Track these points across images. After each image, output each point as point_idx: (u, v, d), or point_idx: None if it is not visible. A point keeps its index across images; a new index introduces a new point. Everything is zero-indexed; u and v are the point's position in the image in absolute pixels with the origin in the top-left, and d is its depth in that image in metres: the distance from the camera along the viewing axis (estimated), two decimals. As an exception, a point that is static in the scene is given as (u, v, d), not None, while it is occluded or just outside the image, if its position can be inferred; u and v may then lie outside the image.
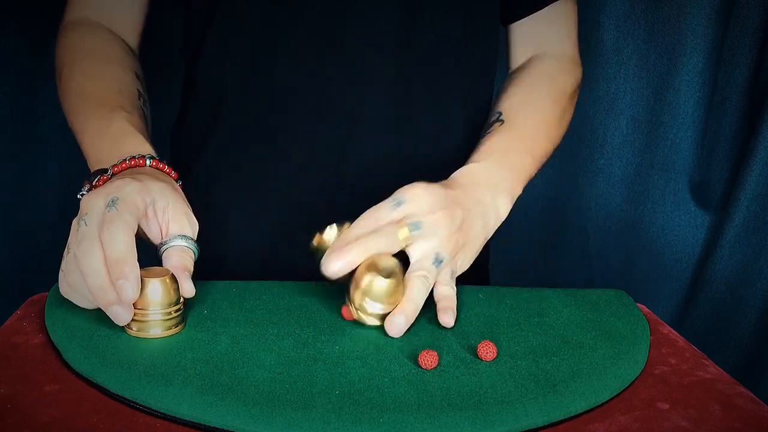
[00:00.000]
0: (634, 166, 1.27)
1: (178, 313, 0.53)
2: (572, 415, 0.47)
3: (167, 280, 0.52)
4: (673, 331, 0.62)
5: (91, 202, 0.52)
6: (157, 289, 0.51)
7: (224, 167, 0.74)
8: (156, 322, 0.51)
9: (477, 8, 0.73)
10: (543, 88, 0.76)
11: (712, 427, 0.46)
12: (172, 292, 0.52)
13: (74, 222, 0.52)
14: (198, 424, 0.43)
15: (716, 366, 0.55)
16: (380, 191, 0.73)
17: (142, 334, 0.51)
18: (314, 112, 0.71)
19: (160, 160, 0.60)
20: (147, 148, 0.61)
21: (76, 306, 0.53)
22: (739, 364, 1.24)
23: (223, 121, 0.73)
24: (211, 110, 0.74)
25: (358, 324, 0.56)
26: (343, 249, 0.54)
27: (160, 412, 0.44)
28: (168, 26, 0.92)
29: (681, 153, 1.25)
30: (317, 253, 0.57)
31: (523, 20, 0.79)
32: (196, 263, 0.56)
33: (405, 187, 0.59)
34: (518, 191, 0.67)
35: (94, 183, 0.57)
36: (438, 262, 0.57)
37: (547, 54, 0.80)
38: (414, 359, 0.51)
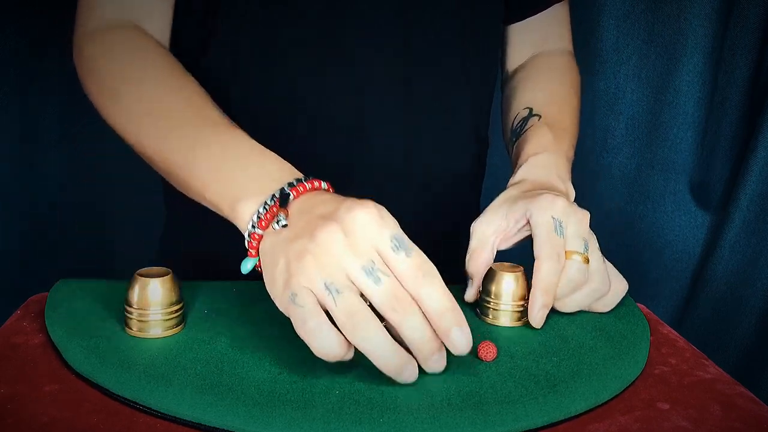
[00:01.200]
0: (634, 166, 1.27)
1: (179, 313, 0.53)
2: (572, 415, 0.47)
3: (167, 280, 0.52)
4: (673, 331, 0.62)
5: (369, 244, 0.43)
6: (157, 289, 0.51)
7: None
8: (156, 322, 0.51)
9: (478, 8, 0.74)
10: (564, 81, 0.78)
11: (712, 427, 0.46)
12: (172, 292, 0.52)
13: (332, 263, 0.43)
14: (198, 424, 0.43)
15: (716, 366, 0.55)
16: (384, 189, 0.73)
17: (142, 334, 0.51)
18: (316, 115, 0.71)
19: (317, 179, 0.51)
20: (294, 169, 0.52)
21: (76, 306, 0.53)
22: (739, 364, 1.24)
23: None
24: None
25: None
26: (551, 304, 0.56)
27: (160, 412, 0.44)
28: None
29: (681, 153, 1.25)
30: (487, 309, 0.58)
31: (522, 21, 0.80)
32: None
33: (545, 202, 0.57)
34: (571, 175, 0.68)
35: (267, 210, 0.48)
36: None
37: (551, 51, 0.82)
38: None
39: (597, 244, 0.58)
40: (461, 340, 0.44)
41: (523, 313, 0.58)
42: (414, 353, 0.44)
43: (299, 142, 0.71)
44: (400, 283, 0.43)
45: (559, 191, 0.62)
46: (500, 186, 0.65)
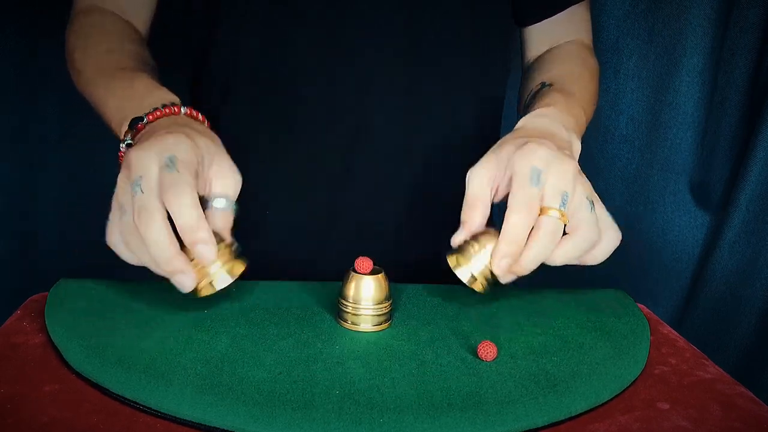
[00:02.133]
0: (634, 166, 1.27)
1: (389, 310, 0.56)
2: (572, 415, 0.47)
3: (380, 279, 0.55)
4: (673, 331, 0.62)
5: (144, 162, 0.49)
6: (369, 286, 0.55)
7: None
8: (367, 317, 0.55)
9: (480, 6, 0.73)
10: (577, 62, 0.77)
11: (712, 427, 0.46)
12: (381, 290, 0.55)
13: (122, 179, 0.51)
14: (198, 424, 0.43)
15: (716, 366, 0.55)
16: (389, 189, 0.73)
17: (355, 328, 0.55)
18: (320, 114, 0.71)
19: (193, 108, 0.59)
20: (176, 98, 0.59)
21: (76, 306, 0.53)
22: (739, 364, 1.24)
23: (228, 124, 0.73)
24: (216, 114, 0.74)
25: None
26: (519, 261, 0.52)
27: (160, 412, 0.44)
28: (166, 30, 0.92)
29: (681, 153, 1.25)
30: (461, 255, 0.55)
31: (540, 23, 0.80)
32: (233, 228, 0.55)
33: (529, 151, 0.53)
34: (581, 136, 0.64)
35: (133, 132, 0.56)
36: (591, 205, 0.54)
37: (566, 42, 0.81)
38: (413, 359, 0.51)
39: (587, 191, 0.54)
40: (202, 251, 0.49)
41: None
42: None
43: (301, 140, 0.72)
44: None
45: (561, 140, 0.57)
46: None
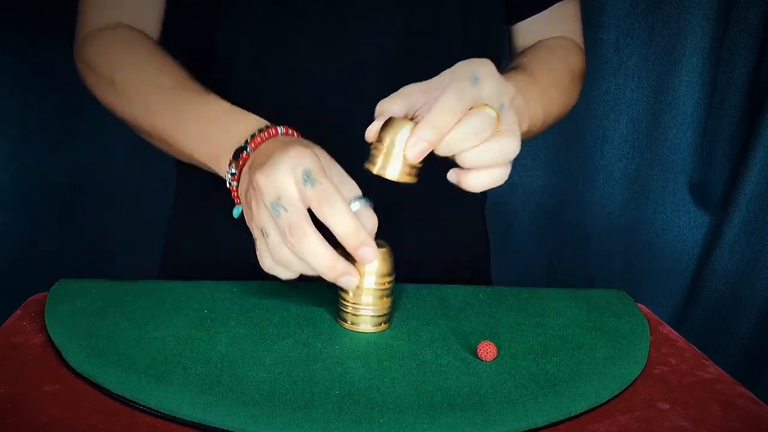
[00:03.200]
0: (634, 166, 1.27)
1: (390, 285, 0.55)
2: (572, 415, 0.47)
3: (384, 253, 0.54)
4: (673, 331, 0.62)
5: (278, 182, 0.48)
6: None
7: None
8: (369, 290, 0.54)
9: (478, 8, 0.73)
10: (556, 54, 0.76)
11: (712, 427, 0.46)
12: (386, 264, 0.55)
13: (256, 204, 0.50)
14: (198, 424, 0.43)
15: (716, 366, 0.55)
16: (384, 189, 0.73)
17: (356, 302, 0.55)
18: (319, 113, 0.71)
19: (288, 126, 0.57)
20: (262, 120, 0.58)
21: (76, 306, 0.53)
22: (739, 364, 1.24)
23: None
24: None
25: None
26: (434, 141, 0.50)
27: (160, 412, 0.44)
28: (168, 29, 0.92)
29: (681, 153, 1.25)
30: (376, 156, 0.52)
31: (526, 20, 0.80)
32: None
33: (471, 61, 0.52)
34: (527, 116, 0.63)
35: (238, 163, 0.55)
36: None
37: (555, 36, 0.80)
38: (413, 359, 0.51)
39: (516, 112, 0.53)
40: (367, 254, 0.49)
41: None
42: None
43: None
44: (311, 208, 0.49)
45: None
46: (508, 190, 0.65)
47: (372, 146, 0.53)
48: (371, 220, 0.53)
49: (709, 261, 1.24)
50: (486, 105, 0.50)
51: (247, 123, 0.57)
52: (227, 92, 0.73)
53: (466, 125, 0.49)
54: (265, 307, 0.59)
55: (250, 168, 0.53)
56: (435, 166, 0.75)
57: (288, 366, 0.49)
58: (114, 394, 0.46)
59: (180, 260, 0.77)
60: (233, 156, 0.55)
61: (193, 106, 0.60)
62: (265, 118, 0.72)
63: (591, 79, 1.23)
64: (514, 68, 0.70)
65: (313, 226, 0.48)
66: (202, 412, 0.44)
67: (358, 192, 0.54)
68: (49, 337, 0.52)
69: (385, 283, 0.55)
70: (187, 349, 0.50)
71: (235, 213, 0.56)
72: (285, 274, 0.51)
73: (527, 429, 0.45)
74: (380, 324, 0.56)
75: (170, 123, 0.61)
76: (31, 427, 0.42)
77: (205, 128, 0.59)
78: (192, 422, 0.44)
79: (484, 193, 0.83)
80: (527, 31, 0.81)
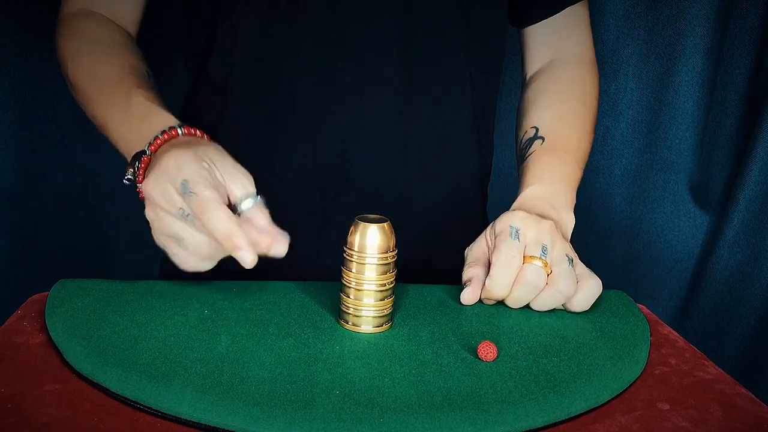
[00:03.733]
0: (634, 166, 1.27)
1: (392, 284, 0.56)
2: (572, 415, 0.47)
3: (386, 227, 0.55)
4: (673, 332, 0.62)
5: (163, 193, 0.52)
6: (375, 234, 0.54)
7: None
8: (372, 266, 0.54)
9: (476, 10, 0.73)
10: (574, 97, 0.77)
11: (712, 427, 0.46)
12: (389, 235, 0.55)
13: (151, 214, 0.53)
14: (198, 423, 0.44)
15: (716, 366, 0.55)
16: (384, 190, 0.73)
17: (359, 278, 0.55)
18: (317, 115, 0.71)
19: (190, 126, 0.60)
20: (172, 119, 0.61)
21: (76, 306, 0.53)
22: (739, 364, 1.24)
23: (227, 124, 0.73)
24: (214, 113, 0.74)
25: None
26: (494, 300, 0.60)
27: (160, 412, 0.44)
28: (165, 30, 0.92)
29: (681, 153, 1.25)
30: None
31: (538, 24, 0.79)
32: None
33: (507, 216, 0.62)
34: (573, 200, 0.70)
35: (138, 166, 0.58)
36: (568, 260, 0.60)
37: (568, 58, 0.80)
38: (414, 359, 0.51)
39: (567, 250, 0.60)
40: (244, 257, 0.51)
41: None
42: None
43: (297, 140, 0.72)
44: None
45: (549, 218, 0.63)
46: (509, 190, 0.66)
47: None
48: (263, 217, 0.54)
49: (709, 261, 1.23)
50: (533, 257, 0.59)
51: (155, 123, 0.60)
52: (225, 93, 0.73)
53: (522, 286, 0.59)
54: (265, 307, 0.59)
55: (142, 174, 0.57)
56: (435, 166, 0.76)
57: (288, 366, 0.49)
58: (114, 393, 0.46)
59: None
60: (132, 159, 0.59)
61: (117, 101, 0.64)
62: (261, 119, 0.72)
63: (591, 79, 1.23)
64: (543, 142, 0.73)
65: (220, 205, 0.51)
66: (202, 412, 0.44)
67: (251, 189, 0.55)
68: (50, 337, 0.52)
69: (385, 284, 0.55)
70: (187, 349, 0.50)
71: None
72: (206, 264, 0.54)
73: (527, 429, 0.45)
74: (381, 325, 0.56)
75: (100, 116, 0.65)
76: (32, 427, 0.42)
77: (125, 125, 0.62)
78: (192, 422, 0.44)
79: (484, 194, 0.83)
80: (539, 35, 0.80)
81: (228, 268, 0.73)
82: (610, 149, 1.26)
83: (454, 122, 0.75)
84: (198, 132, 0.60)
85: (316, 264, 0.72)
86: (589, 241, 1.27)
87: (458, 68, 0.73)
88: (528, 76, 0.82)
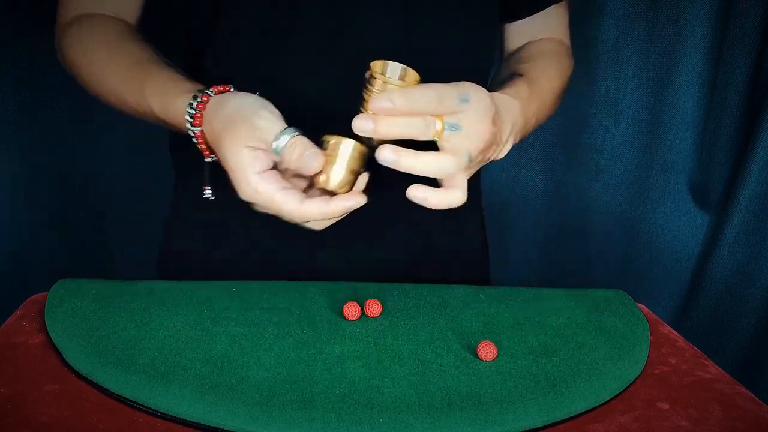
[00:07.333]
0: (634, 167, 1.27)
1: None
2: (572, 415, 0.47)
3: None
4: (673, 331, 0.62)
5: (252, 196, 0.55)
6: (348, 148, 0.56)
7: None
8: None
9: (477, 8, 0.74)
10: (553, 62, 0.78)
11: (712, 427, 0.46)
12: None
13: (238, 180, 0.55)
14: (198, 423, 0.44)
15: (716, 366, 0.55)
16: (385, 185, 0.73)
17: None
18: (317, 113, 0.71)
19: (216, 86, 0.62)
20: (198, 84, 0.63)
21: (76, 306, 0.53)
22: (738, 364, 1.24)
23: None
24: None
25: (359, 324, 0.56)
26: (380, 121, 0.54)
27: (160, 412, 0.44)
28: (165, 30, 0.92)
29: (681, 153, 1.25)
30: (370, 82, 0.56)
31: (520, 21, 0.81)
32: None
33: (475, 87, 0.55)
34: (517, 142, 0.66)
35: (196, 105, 0.60)
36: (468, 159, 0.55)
37: (544, 40, 0.82)
38: (413, 359, 0.51)
39: (479, 152, 0.55)
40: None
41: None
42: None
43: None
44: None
45: (504, 131, 0.59)
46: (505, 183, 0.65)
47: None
48: (302, 145, 0.55)
49: (709, 261, 1.23)
50: (440, 117, 0.53)
51: (193, 85, 0.63)
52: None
53: (410, 119, 0.53)
54: (265, 307, 0.59)
55: (208, 133, 0.59)
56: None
57: (288, 366, 0.49)
58: (114, 393, 0.46)
59: (179, 260, 0.77)
60: (192, 98, 0.60)
61: (153, 77, 0.66)
62: None
63: (591, 79, 1.23)
64: (519, 76, 0.72)
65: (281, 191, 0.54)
66: (201, 412, 0.44)
67: (278, 126, 0.57)
68: (49, 337, 0.52)
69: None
70: (187, 349, 0.50)
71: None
72: (326, 222, 0.57)
73: (527, 429, 0.45)
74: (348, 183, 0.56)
75: (135, 94, 0.66)
76: (32, 427, 0.42)
77: (162, 85, 0.64)
78: (192, 422, 0.44)
79: (478, 191, 0.83)
80: (519, 31, 0.83)
81: (228, 268, 0.73)
82: (609, 150, 1.26)
83: None
84: (228, 88, 0.62)
85: (315, 264, 0.72)
86: (589, 241, 1.27)
87: (456, 66, 0.74)
88: (505, 56, 0.84)
